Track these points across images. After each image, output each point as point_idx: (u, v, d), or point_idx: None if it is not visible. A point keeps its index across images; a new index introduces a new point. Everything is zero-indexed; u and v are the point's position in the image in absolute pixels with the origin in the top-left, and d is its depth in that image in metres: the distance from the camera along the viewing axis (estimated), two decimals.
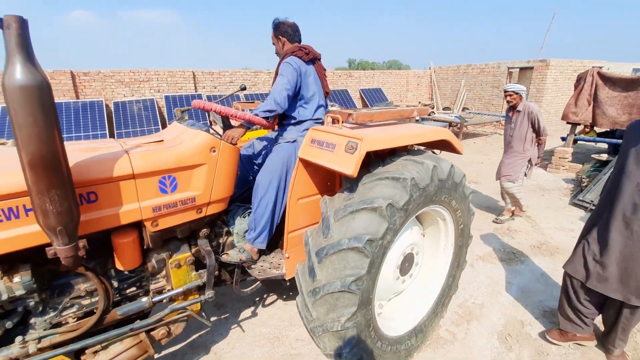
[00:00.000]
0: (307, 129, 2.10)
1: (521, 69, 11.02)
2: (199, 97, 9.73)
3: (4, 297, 1.36)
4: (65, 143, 1.48)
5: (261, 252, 2.23)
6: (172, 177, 1.66)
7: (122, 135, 8.25)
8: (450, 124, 10.42)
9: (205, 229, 1.93)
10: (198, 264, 1.94)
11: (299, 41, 2.33)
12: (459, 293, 2.88)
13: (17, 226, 1.30)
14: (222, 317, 2.66)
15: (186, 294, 1.87)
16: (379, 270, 1.76)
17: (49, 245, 1.32)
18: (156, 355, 2.23)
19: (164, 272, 1.82)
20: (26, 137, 1.13)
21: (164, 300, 1.82)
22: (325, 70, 2.41)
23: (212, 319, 2.62)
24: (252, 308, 2.75)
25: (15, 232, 1.30)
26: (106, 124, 8.28)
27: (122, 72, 9.16)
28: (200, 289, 1.92)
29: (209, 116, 2.94)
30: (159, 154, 1.62)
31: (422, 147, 2.33)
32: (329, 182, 2.17)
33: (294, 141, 2.15)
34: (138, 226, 1.64)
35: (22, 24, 1.10)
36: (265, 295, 2.90)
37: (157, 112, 8.86)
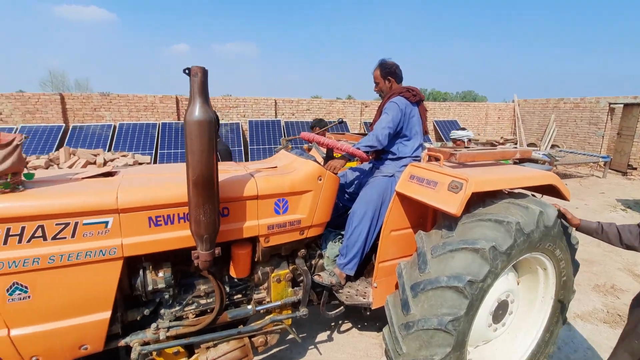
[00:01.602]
0: (405, 165, 2.19)
1: (626, 105, 9.79)
2: (279, 123, 10.52)
3: (150, 287, 1.64)
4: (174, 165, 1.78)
5: (349, 278, 2.31)
6: (284, 200, 1.87)
7: None
8: (536, 162, 9.60)
9: (304, 250, 2.10)
10: (293, 281, 2.10)
11: (401, 81, 2.48)
12: (553, 353, 2.59)
13: (171, 230, 1.59)
14: (300, 335, 2.76)
15: (282, 307, 2.03)
16: (476, 313, 1.72)
17: (192, 248, 1.59)
18: None
19: (265, 285, 2.01)
20: (195, 161, 1.41)
21: (261, 311, 2.00)
22: (426, 110, 2.51)
23: (290, 337, 2.74)
24: (329, 332, 2.81)
25: (169, 235, 1.59)
26: None
27: (216, 99, 10.39)
28: (294, 305, 2.07)
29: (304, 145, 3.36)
30: (277, 179, 1.85)
31: (522, 189, 2.24)
32: (422, 217, 2.20)
33: (392, 176, 2.25)
34: (253, 241, 1.86)
35: (204, 73, 1.42)
36: (341, 322, 2.95)
37: (241, 135, 9.79)
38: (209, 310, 1.86)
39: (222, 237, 1.71)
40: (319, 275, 2.17)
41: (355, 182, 2.56)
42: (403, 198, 2.06)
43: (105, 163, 5.89)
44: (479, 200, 1.94)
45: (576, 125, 11.26)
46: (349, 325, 2.91)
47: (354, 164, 2.92)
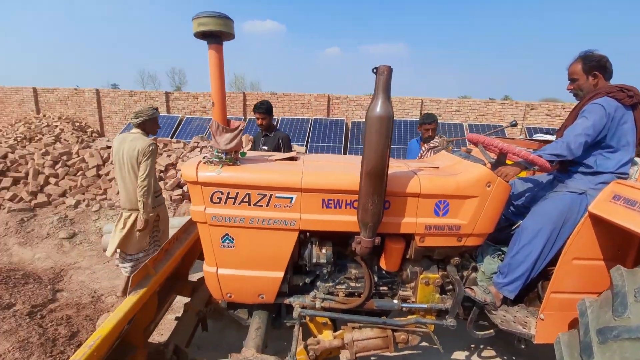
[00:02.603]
0: (604, 183, 1.79)
1: None
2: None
3: (314, 260, 1.87)
4: (339, 156, 1.89)
5: (503, 300, 2.06)
6: (446, 203, 1.81)
7: (354, 150, 9.74)
8: None
9: (457, 258, 1.98)
10: (441, 288, 2.02)
11: (610, 78, 2.00)
12: None
13: (338, 214, 1.77)
14: (434, 346, 2.64)
15: (427, 311, 1.98)
16: None
17: (353, 233, 1.73)
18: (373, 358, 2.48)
19: (412, 284, 2.00)
20: (371, 153, 1.51)
21: (404, 309, 2.01)
22: None
23: (424, 344, 2.65)
24: (469, 353, 2.59)
25: (336, 218, 1.77)
26: (343, 138, 10.03)
27: (362, 97, 10.85)
28: (440, 313, 1.99)
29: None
30: (441, 180, 1.80)
31: None
32: (621, 248, 1.75)
33: (582, 193, 1.86)
34: (408, 238, 1.88)
35: (389, 72, 1.50)
36: (483, 346, 2.67)
37: None
38: (356, 294, 1.99)
39: (380, 229, 1.78)
40: (472, 289, 2.01)
41: (527, 195, 2.23)
42: (597, 221, 1.68)
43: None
44: None
45: None
46: (493, 353, 2.60)
47: (524, 174, 2.55)
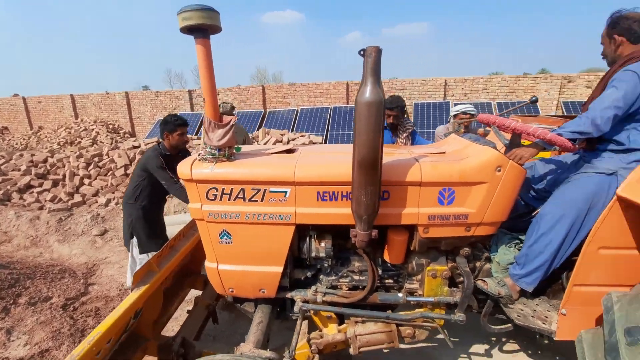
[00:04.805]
0: (638, 161, 1.57)
1: None
2: (447, 104, 9.68)
3: (313, 254, 1.82)
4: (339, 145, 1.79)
5: (522, 294, 1.91)
6: (451, 190, 1.67)
7: None
8: None
9: (467, 249, 1.85)
10: (450, 281, 1.90)
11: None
12: None
13: (334, 207, 1.69)
14: (454, 340, 2.53)
15: (435, 305, 1.88)
16: None
17: (352, 226, 1.65)
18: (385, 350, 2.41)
19: (419, 277, 1.90)
20: (362, 142, 1.42)
21: (412, 302, 1.91)
22: None
23: (438, 336, 2.54)
24: (488, 347, 2.45)
25: (332, 211, 1.70)
26: None
27: (383, 82, 10.47)
28: (449, 306, 1.88)
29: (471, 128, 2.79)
30: (445, 166, 1.67)
31: None
32: None
33: (612, 174, 1.65)
34: (411, 229, 1.77)
35: (378, 53, 1.38)
36: (505, 339, 2.52)
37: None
38: (360, 287, 1.93)
39: (379, 220, 1.69)
40: (484, 281, 1.87)
41: (549, 178, 2.03)
42: (628, 206, 1.48)
43: (288, 141, 6.98)
44: None
45: None
46: (516, 346, 2.44)
47: (547, 154, 2.33)
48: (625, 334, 1.27)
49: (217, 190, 1.72)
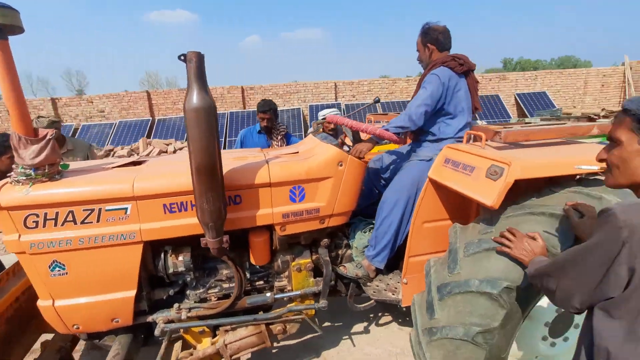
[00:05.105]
0: None
1: None
2: (339, 105, 10.36)
3: (171, 270, 1.72)
4: (222, 151, 1.77)
5: (379, 271, 2.15)
6: (301, 188, 1.78)
7: None
8: None
9: (326, 239, 1.99)
10: (317, 271, 2.02)
11: (449, 49, 2.12)
12: None
13: (185, 217, 1.63)
14: (336, 324, 2.70)
15: (303, 297, 1.97)
16: (518, 325, 1.43)
17: (204, 235, 1.61)
18: (273, 350, 2.45)
19: (287, 273, 1.97)
20: (196, 149, 1.39)
21: (285, 299, 1.97)
22: (477, 82, 2.13)
23: (326, 324, 2.70)
24: (366, 324, 2.69)
25: (184, 222, 1.64)
26: None
27: (277, 86, 10.66)
28: (317, 295, 1.99)
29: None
30: (292, 166, 1.76)
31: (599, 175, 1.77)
32: (464, 208, 1.90)
33: (429, 160, 1.97)
34: (270, 229, 1.82)
35: (200, 58, 1.37)
36: (380, 314, 2.80)
37: (302, 120, 9.91)
38: (231, 295, 1.90)
39: (234, 225, 1.70)
40: (344, 266, 2.05)
41: (392, 167, 2.33)
42: (438, 185, 1.79)
43: (175, 151, 6.51)
44: (534, 189, 1.58)
45: None
46: (389, 318, 2.74)
47: (393, 147, 2.67)
48: (436, 291, 1.53)
49: (37, 216, 1.48)
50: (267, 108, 3.10)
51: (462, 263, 1.49)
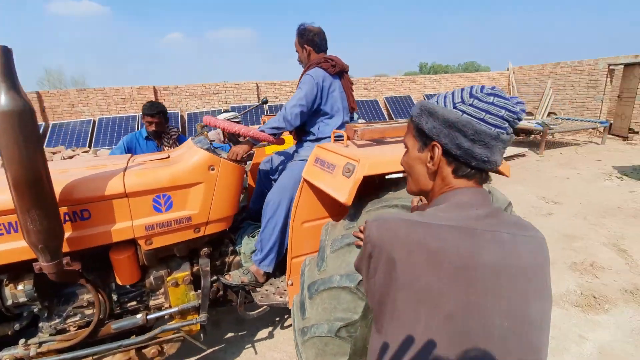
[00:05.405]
0: None
1: (626, 65, 9.15)
2: (261, 107, 10.18)
3: (9, 302, 1.46)
4: (74, 160, 1.56)
5: (269, 275, 2.11)
6: (166, 196, 1.64)
7: None
8: (530, 132, 9.16)
9: (207, 248, 1.89)
10: (199, 283, 1.90)
11: (326, 50, 2.16)
12: None
13: (10, 241, 1.38)
14: (239, 334, 2.60)
15: (184, 313, 1.83)
16: None
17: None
18: None
19: (162, 290, 1.81)
20: (10, 159, 1.18)
21: (165, 317, 1.82)
22: (352, 83, 2.21)
23: (229, 335, 2.58)
24: (270, 329, 2.64)
25: (14, 245, 1.39)
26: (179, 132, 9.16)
27: (195, 86, 10.08)
28: (198, 309, 1.87)
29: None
30: (154, 173, 1.62)
31: None
32: (338, 205, 1.95)
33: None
34: (134, 243, 1.65)
35: (6, 53, 1.16)
36: (286, 316, 2.78)
37: None
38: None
39: (84, 243, 1.50)
40: (229, 274, 1.96)
41: (280, 168, 2.31)
42: (312, 185, 1.81)
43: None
44: (395, 183, 1.68)
45: (574, 90, 10.63)
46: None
47: (280, 148, 2.66)
48: (307, 290, 1.54)
49: None
50: (155, 111, 2.85)
51: (328, 260, 1.52)
